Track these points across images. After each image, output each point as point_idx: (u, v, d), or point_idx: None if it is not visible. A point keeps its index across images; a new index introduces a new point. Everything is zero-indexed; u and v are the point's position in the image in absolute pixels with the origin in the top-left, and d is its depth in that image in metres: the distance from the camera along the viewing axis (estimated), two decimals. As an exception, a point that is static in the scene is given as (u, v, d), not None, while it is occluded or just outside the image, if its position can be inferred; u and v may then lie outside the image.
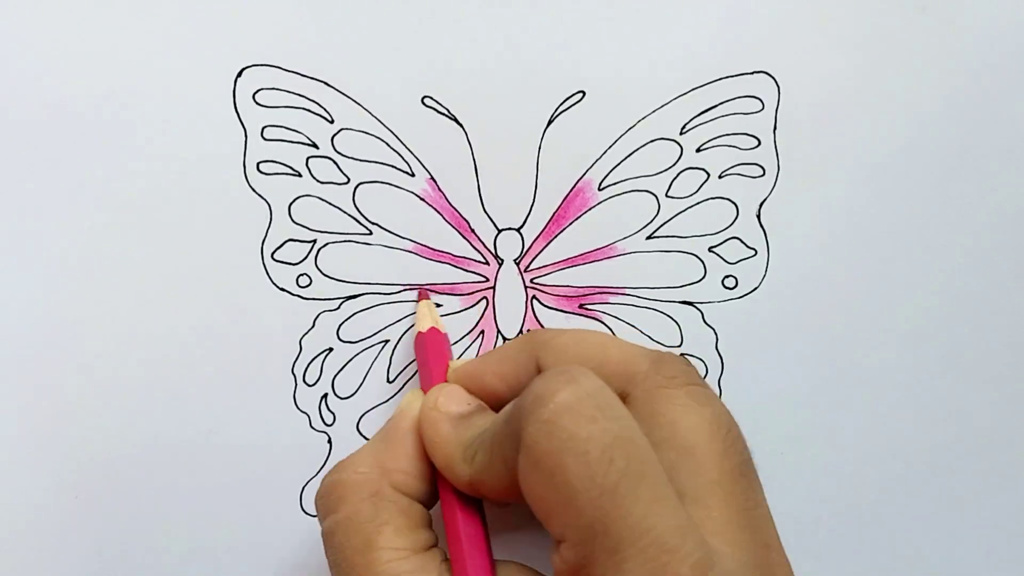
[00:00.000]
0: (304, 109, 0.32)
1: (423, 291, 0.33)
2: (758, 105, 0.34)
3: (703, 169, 0.34)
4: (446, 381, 0.30)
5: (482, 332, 0.34)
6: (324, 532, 0.27)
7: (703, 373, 0.35)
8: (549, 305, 0.34)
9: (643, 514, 0.22)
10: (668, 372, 0.27)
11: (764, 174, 0.34)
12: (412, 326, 0.33)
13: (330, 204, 0.32)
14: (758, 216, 0.35)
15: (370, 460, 0.27)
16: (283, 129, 0.32)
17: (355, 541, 0.26)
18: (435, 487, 0.28)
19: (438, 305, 0.34)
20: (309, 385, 0.33)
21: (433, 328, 0.32)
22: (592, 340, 0.28)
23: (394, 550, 0.25)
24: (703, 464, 0.25)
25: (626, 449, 0.22)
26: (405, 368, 0.34)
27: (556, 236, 0.34)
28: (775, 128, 0.34)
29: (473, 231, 0.33)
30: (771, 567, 0.24)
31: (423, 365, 0.31)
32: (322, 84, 0.32)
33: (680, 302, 0.35)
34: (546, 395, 0.23)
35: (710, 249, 0.35)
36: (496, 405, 0.28)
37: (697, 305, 0.35)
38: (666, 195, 0.34)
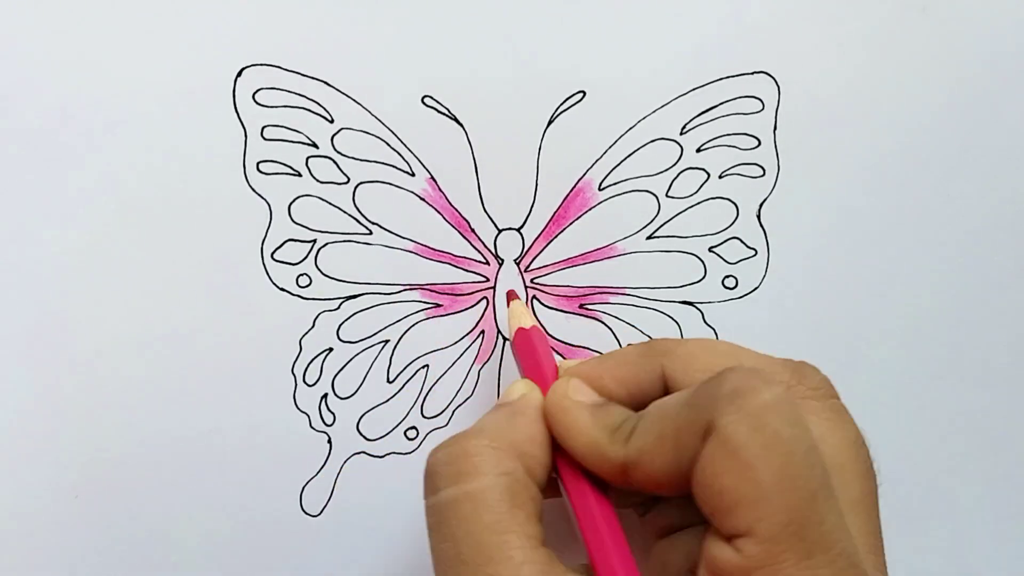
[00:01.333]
0: (304, 109, 0.32)
1: (511, 292, 0.33)
2: (758, 105, 0.34)
3: (703, 169, 0.34)
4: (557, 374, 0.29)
5: (482, 332, 0.34)
6: (444, 501, 0.24)
7: (703, 373, 0.35)
8: (549, 305, 0.34)
9: (835, 525, 0.22)
10: (811, 383, 0.27)
11: (764, 174, 0.34)
12: (413, 326, 0.33)
13: (330, 204, 0.32)
14: (758, 216, 0.35)
15: (503, 437, 0.26)
16: (283, 129, 0.32)
17: (487, 518, 0.24)
18: (551, 482, 0.27)
19: (438, 305, 0.34)
20: (309, 385, 0.33)
21: (535, 326, 0.31)
22: (722, 349, 0.28)
23: (527, 537, 0.24)
24: (849, 483, 0.25)
25: (820, 459, 0.23)
26: (405, 368, 0.34)
27: (556, 236, 0.34)
28: (775, 128, 0.34)
29: (473, 231, 0.33)
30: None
31: (532, 359, 0.29)
32: (322, 84, 0.32)
33: (680, 302, 0.35)
34: (747, 390, 0.23)
35: (710, 249, 0.35)
36: None
37: (697, 305, 0.35)
38: (666, 195, 0.34)
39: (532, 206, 0.33)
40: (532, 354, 0.29)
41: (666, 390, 0.28)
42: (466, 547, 0.24)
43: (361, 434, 0.34)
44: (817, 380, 0.27)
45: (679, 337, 0.31)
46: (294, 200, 0.32)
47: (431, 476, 0.25)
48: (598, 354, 0.34)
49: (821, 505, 0.22)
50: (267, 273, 0.32)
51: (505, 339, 0.34)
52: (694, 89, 0.33)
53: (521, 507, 0.24)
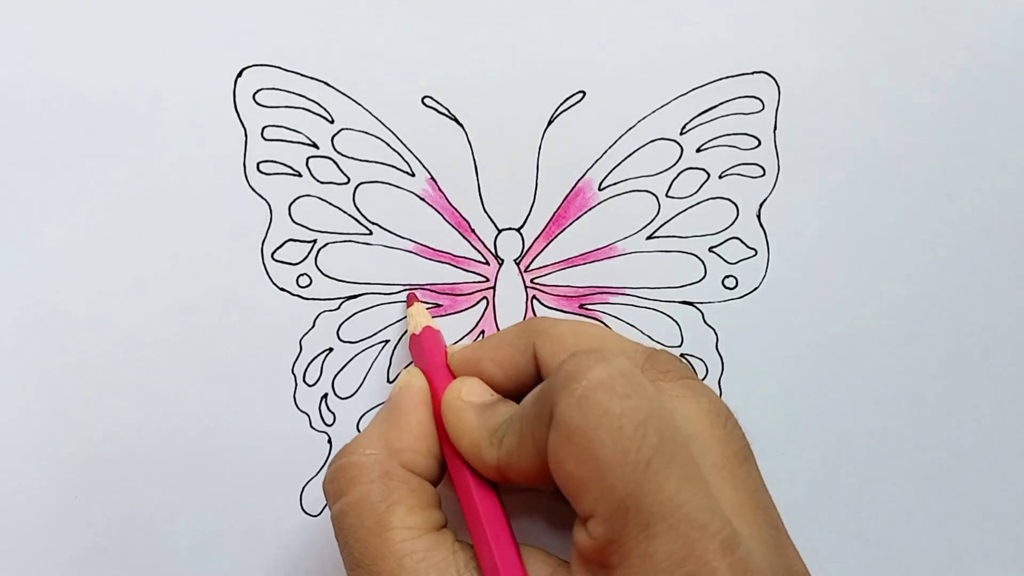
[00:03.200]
0: (304, 109, 0.32)
1: (411, 295, 0.33)
2: (758, 105, 0.34)
3: (703, 169, 0.34)
4: (448, 372, 0.30)
5: (482, 332, 0.34)
6: (334, 515, 0.27)
7: (703, 373, 0.35)
8: (549, 305, 0.34)
9: (675, 490, 0.22)
10: (663, 367, 0.27)
11: (764, 174, 0.34)
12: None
13: (330, 204, 0.32)
14: (758, 216, 0.35)
15: (376, 441, 0.27)
16: (283, 129, 0.32)
17: (367, 522, 0.26)
18: (442, 464, 0.28)
19: (437, 305, 0.34)
20: (309, 385, 0.33)
21: (426, 328, 0.32)
22: (589, 331, 0.29)
23: (407, 529, 0.25)
24: (706, 450, 0.25)
25: (658, 426, 0.23)
26: (405, 368, 0.34)
27: (556, 236, 0.34)
28: (775, 128, 0.34)
29: (473, 231, 0.33)
30: (784, 547, 0.25)
31: (422, 363, 0.31)
32: (322, 84, 0.32)
33: (680, 302, 0.35)
34: (579, 372, 0.23)
35: (710, 249, 0.35)
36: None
37: (697, 305, 0.35)
38: (666, 195, 0.34)
39: (532, 206, 0.33)
40: (421, 360, 0.31)
41: (538, 370, 0.29)
42: (357, 552, 0.25)
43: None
44: (670, 364, 0.28)
45: (555, 318, 0.32)
46: (294, 200, 0.32)
47: (325, 494, 0.27)
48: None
49: (657, 474, 0.22)
50: (267, 273, 0.32)
51: (505, 339, 0.34)
52: (694, 89, 0.33)
53: (399, 502, 0.26)
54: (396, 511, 0.26)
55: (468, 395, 0.28)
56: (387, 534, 0.25)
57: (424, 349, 0.31)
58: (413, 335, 0.32)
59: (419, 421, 0.28)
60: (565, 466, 0.23)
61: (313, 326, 0.33)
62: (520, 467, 0.25)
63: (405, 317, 0.33)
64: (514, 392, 0.29)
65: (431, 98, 0.32)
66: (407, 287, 0.33)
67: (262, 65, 0.31)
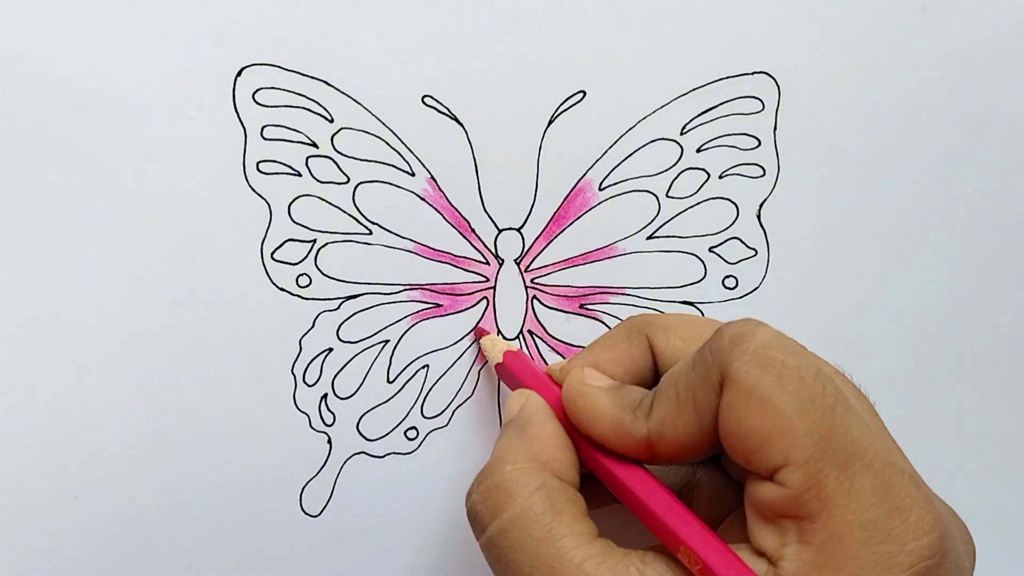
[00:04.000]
0: (304, 109, 0.32)
1: (479, 330, 0.34)
2: (758, 105, 0.34)
3: (703, 169, 0.34)
4: (553, 383, 0.29)
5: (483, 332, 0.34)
6: (493, 535, 0.26)
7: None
8: (549, 305, 0.34)
9: (860, 432, 0.23)
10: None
11: (764, 174, 0.34)
12: (413, 326, 0.33)
13: (330, 204, 0.32)
14: (758, 216, 0.35)
15: (522, 455, 0.27)
16: (283, 129, 0.32)
17: (536, 534, 0.25)
18: (582, 470, 0.27)
19: (438, 305, 0.34)
20: (309, 385, 0.33)
21: (507, 352, 0.32)
22: (694, 319, 0.29)
23: (578, 535, 0.25)
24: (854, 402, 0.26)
25: (829, 376, 0.24)
26: (405, 368, 0.34)
27: (557, 236, 0.34)
28: (775, 128, 0.34)
29: (473, 231, 0.33)
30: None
31: (528, 371, 0.30)
32: (322, 84, 0.32)
33: (680, 302, 0.35)
34: (745, 334, 0.24)
35: (710, 249, 0.35)
36: None
37: (697, 305, 0.35)
38: (666, 195, 0.34)
39: (532, 206, 0.33)
40: (527, 367, 0.30)
41: (655, 362, 0.29)
42: (528, 567, 0.25)
43: (361, 434, 0.34)
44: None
45: (660, 313, 0.32)
46: (294, 200, 0.32)
47: (475, 518, 0.27)
48: None
49: (843, 417, 0.23)
50: (267, 273, 0.32)
51: (506, 339, 0.34)
52: (694, 89, 0.33)
53: (563, 511, 0.25)
54: (563, 519, 0.25)
55: (593, 380, 0.28)
56: (560, 543, 0.24)
57: (517, 371, 0.31)
58: (499, 364, 0.32)
59: (556, 431, 0.27)
60: (748, 421, 0.23)
61: (313, 326, 0.33)
62: (676, 436, 0.25)
63: (404, 317, 0.33)
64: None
65: (431, 98, 0.32)
66: (407, 287, 0.33)
67: (262, 65, 0.31)
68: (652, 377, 0.28)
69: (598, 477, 0.27)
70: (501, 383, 0.34)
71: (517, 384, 0.30)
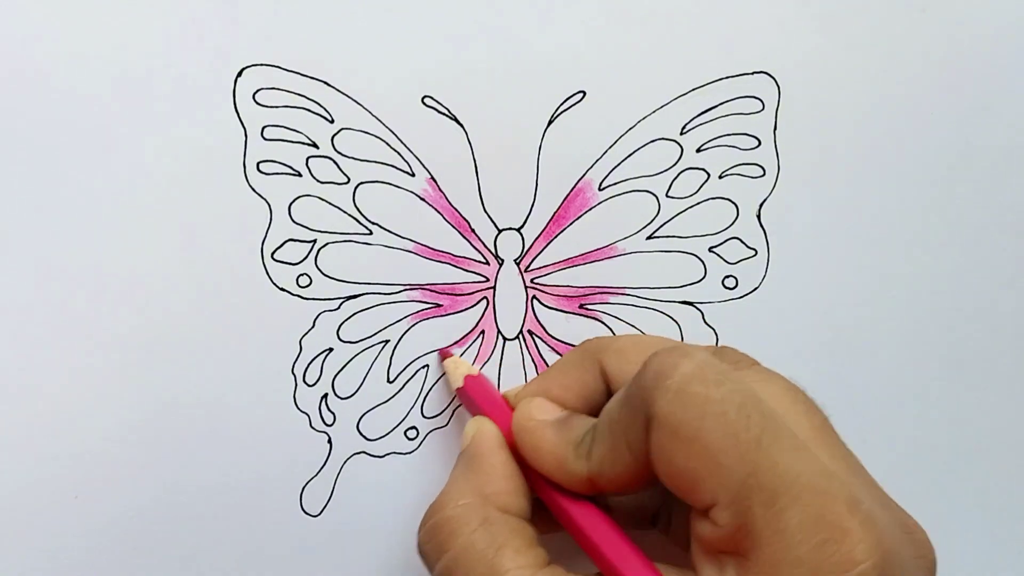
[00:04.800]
0: (304, 109, 0.32)
1: (441, 351, 0.34)
2: (758, 105, 0.34)
3: (703, 169, 0.34)
4: (509, 409, 0.30)
5: (482, 332, 0.34)
6: (440, 573, 0.26)
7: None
8: (549, 305, 0.34)
9: (789, 462, 0.22)
10: (731, 358, 0.28)
11: (764, 174, 0.34)
12: (413, 326, 0.33)
13: (330, 204, 0.32)
14: (758, 216, 0.35)
15: (466, 490, 0.27)
16: (283, 129, 0.32)
17: (479, 570, 0.25)
18: (533, 503, 0.28)
19: (438, 305, 0.34)
20: (309, 385, 0.33)
21: (467, 376, 0.32)
22: (649, 340, 0.29)
23: (520, 569, 0.25)
24: (796, 425, 0.25)
25: (756, 406, 0.23)
26: (405, 368, 0.34)
27: (556, 236, 0.34)
28: (775, 128, 0.34)
29: (473, 231, 0.33)
30: (889, 502, 0.25)
31: (478, 411, 0.31)
32: (322, 84, 0.32)
33: (680, 302, 0.35)
34: (667, 369, 0.23)
35: (710, 249, 0.35)
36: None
37: (697, 305, 0.35)
38: (666, 195, 0.34)
39: (532, 206, 0.33)
40: (478, 407, 0.31)
41: (607, 386, 0.29)
42: None
43: (361, 434, 0.34)
44: (735, 354, 0.28)
45: (610, 336, 0.33)
46: (294, 200, 0.32)
47: (423, 556, 0.27)
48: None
49: (768, 449, 0.22)
50: (267, 273, 0.32)
51: (506, 339, 0.34)
52: (694, 89, 0.33)
53: (505, 545, 0.25)
54: (505, 554, 0.25)
55: (540, 414, 0.28)
56: None
57: (475, 396, 0.31)
58: (459, 389, 0.32)
59: (502, 462, 0.28)
60: (675, 462, 0.23)
61: (313, 326, 0.33)
62: (614, 474, 0.25)
63: (404, 317, 0.33)
64: (584, 412, 0.29)
65: (431, 98, 0.32)
66: (407, 287, 0.33)
67: (262, 65, 0.31)
68: (605, 402, 0.28)
69: (547, 507, 0.28)
70: (501, 383, 0.34)
71: (476, 410, 0.30)
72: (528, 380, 0.34)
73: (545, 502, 0.28)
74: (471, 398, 0.31)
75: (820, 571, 0.21)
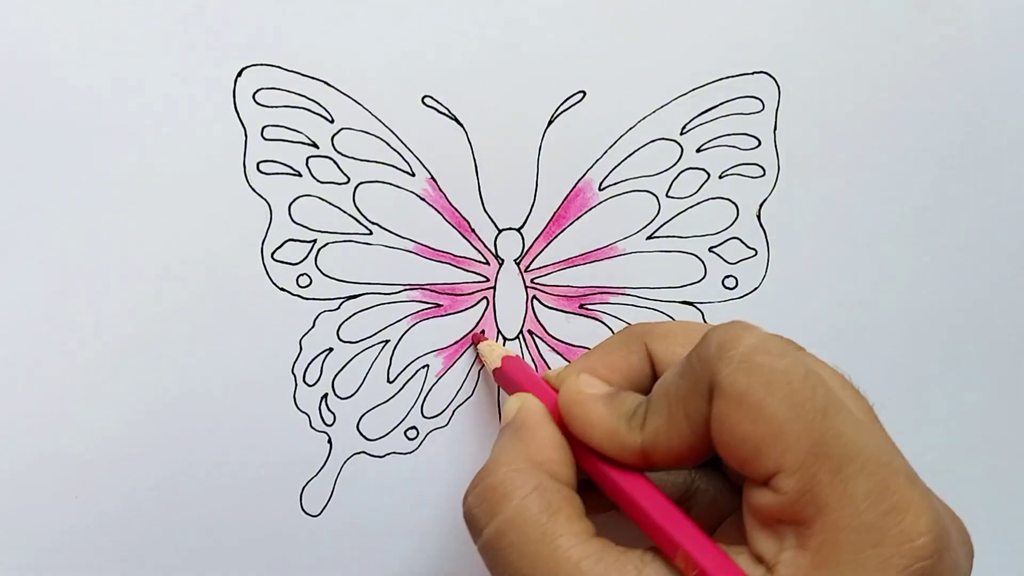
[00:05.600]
0: (304, 109, 0.32)
1: (475, 335, 0.34)
2: (758, 105, 0.34)
3: (703, 169, 0.34)
4: (551, 388, 0.29)
5: (482, 332, 0.34)
6: (490, 536, 0.25)
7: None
8: (549, 305, 0.34)
9: (854, 434, 0.23)
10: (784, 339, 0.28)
11: (764, 174, 0.34)
12: (413, 326, 0.33)
13: (330, 204, 0.32)
14: (758, 216, 0.35)
15: (517, 457, 0.27)
16: (283, 129, 0.32)
17: (533, 534, 0.25)
18: (579, 475, 0.27)
19: (438, 305, 0.34)
20: (309, 385, 0.33)
21: (505, 357, 0.32)
22: (693, 326, 0.29)
23: (575, 535, 0.25)
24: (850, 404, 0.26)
25: (819, 378, 0.23)
26: (405, 368, 0.34)
27: (556, 236, 0.34)
28: (775, 128, 0.34)
29: (473, 231, 0.33)
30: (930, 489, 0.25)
31: (526, 376, 0.30)
32: (322, 84, 0.32)
33: (680, 302, 0.35)
34: (731, 340, 0.24)
35: (710, 249, 0.35)
36: None
37: (697, 305, 0.35)
38: (666, 195, 0.34)
39: (532, 206, 0.33)
40: (524, 372, 0.30)
41: (653, 369, 0.29)
42: (526, 567, 0.24)
43: (361, 434, 0.34)
44: (788, 339, 0.28)
45: (655, 321, 0.32)
46: (294, 200, 0.32)
47: (471, 520, 0.26)
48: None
49: (835, 420, 0.23)
50: (267, 273, 0.32)
51: (506, 339, 0.34)
52: (694, 89, 0.33)
53: (559, 511, 0.25)
54: (559, 519, 0.25)
55: (588, 388, 0.27)
56: (556, 542, 0.24)
57: (514, 375, 0.31)
58: (496, 370, 0.32)
59: (551, 432, 0.27)
60: (739, 430, 0.23)
61: (313, 326, 0.33)
62: (670, 445, 0.25)
63: (404, 317, 0.33)
64: None
65: (431, 98, 0.32)
66: (407, 287, 0.33)
67: (262, 65, 0.31)
68: (651, 385, 0.28)
69: (595, 482, 0.27)
70: (501, 383, 0.34)
71: (515, 388, 0.30)
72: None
73: (593, 477, 0.27)
74: (509, 377, 0.31)
75: (886, 538, 0.21)
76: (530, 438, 0.27)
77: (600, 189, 0.34)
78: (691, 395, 0.24)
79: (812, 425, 0.22)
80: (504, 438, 0.28)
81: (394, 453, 0.34)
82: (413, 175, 0.33)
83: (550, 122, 0.33)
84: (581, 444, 0.27)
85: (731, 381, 0.23)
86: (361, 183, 0.32)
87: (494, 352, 0.32)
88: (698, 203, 0.34)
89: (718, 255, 0.35)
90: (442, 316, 0.34)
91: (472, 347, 0.34)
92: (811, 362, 0.25)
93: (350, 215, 0.33)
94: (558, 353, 0.35)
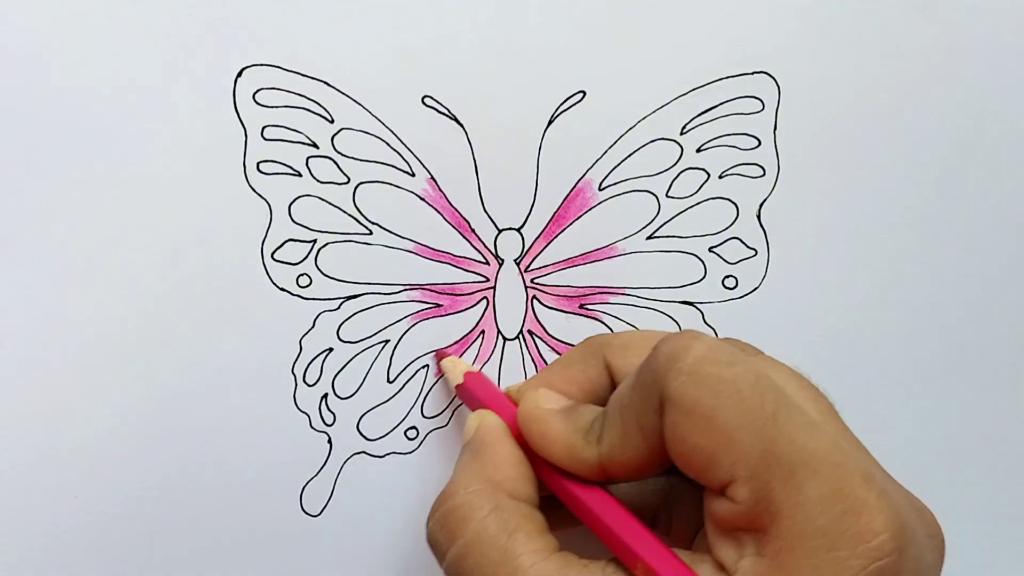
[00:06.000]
0: (304, 109, 0.32)
1: (438, 352, 0.34)
2: (758, 105, 0.34)
3: (703, 169, 0.34)
4: (512, 403, 0.30)
5: (482, 332, 0.34)
6: (452, 560, 0.26)
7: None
8: (549, 305, 0.34)
9: (805, 438, 0.23)
10: (738, 346, 0.28)
11: (764, 174, 0.34)
12: (413, 326, 0.33)
13: (330, 204, 0.32)
14: (758, 216, 0.35)
15: (474, 478, 0.27)
16: (283, 129, 0.32)
17: (492, 555, 0.25)
18: (540, 490, 0.28)
19: (438, 305, 0.34)
20: (309, 385, 0.33)
21: (467, 373, 0.32)
22: (650, 336, 0.29)
23: (534, 552, 0.25)
24: (804, 407, 0.25)
25: (770, 385, 0.23)
26: (405, 368, 0.34)
27: (556, 236, 0.34)
28: (775, 128, 0.34)
29: (473, 231, 0.33)
30: (897, 484, 0.25)
31: (485, 392, 0.31)
32: (322, 84, 0.32)
33: (680, 302, 0.35)
34: (679, 351, 0.24)
35: (710, 249, 0.35)
36: None
37: (697, 305, 0.35)
38: (666, 195, 0.34)
39: (532, 206, 0.33)
40: (485, 388, 0.31)
41: (612, 381, 0.29)
42: None
43: (361, 434, 0.34)
44: (742, 344, 0.28)
45: (612, 332, 0.33)
46: (294, 200, 0.32)
47: (434, 545, 0.27)
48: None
49: (785, 426, 0.23)
50: (267, 273, 0.32)
51: (506, 339, 0.34)
52: (694, 89, 0.33)
53: (518, 529, 0.25)
54: (518, 538, 0.25)
55: (546, 403, 0.28)
56: (517, 561, 0.25)
57: (475, 392, 0.31)
58: (459, 386, 0.32)
59: (509, 450, 0.28)
60: (690, 441, 0.23)
61: (313, 326, 0.33)
62: (625, 459, 0.25)
63: (404, 317, 0.33)
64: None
65: (431, 98, 0.32)
66: (407, 287, 0.33)
67: (262, 65, 0.31)
68: (609, 397, 0.28)
69: (557, 496, 0.27)
70: (501, 383, 0.34)
71: (477, 405, 0.30)
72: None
73: (554, 491, 0.28)
74: (471, 394, 0.31)
75: (840, 541, 0.21)
76: (487, 457, 0.27)
77: (600, 189, 0.34)
78: (643, 407, 0.25)
79: (763, 432, 0.22)
80: (463, 458, 0.28)
81: (394, 453, 0.34)
82: (413, 175, 0.33)
83: (550, 122, 0.33)
84: (541, 459, 0.27)
85: (680, 392, 0.23)
86: (361, 183, 0.32)
87: (456, 368, 0.32)
88: (698, 203, 0.34)
89: (718, 255, 0.35)
90: (442, 316, 0.34)
91: (437, 359, 0.34)
92: (764, 366, 0.25)
93: (350, 215, 0.33)
94: (558, 353, 0.35)
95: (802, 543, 0.22)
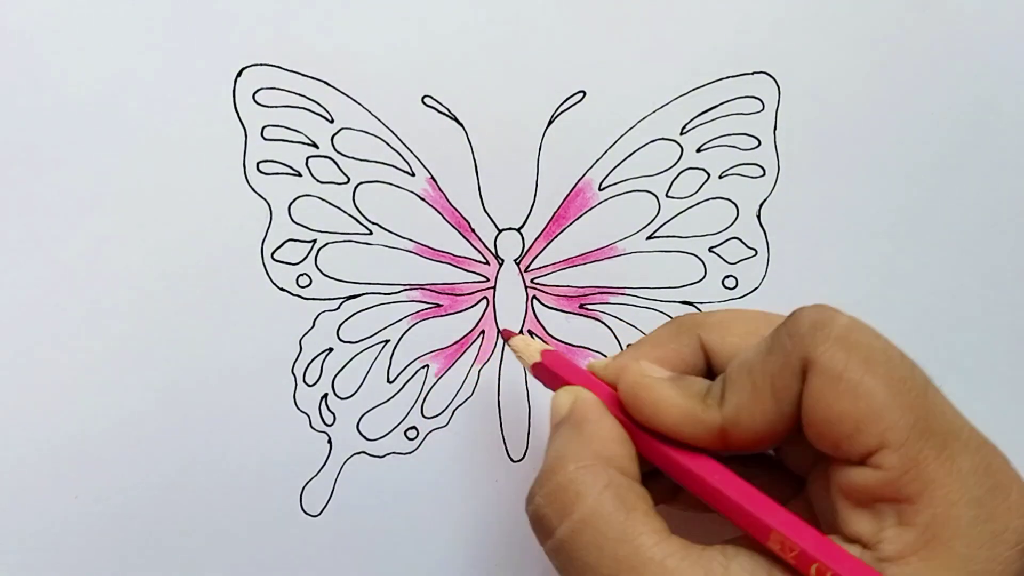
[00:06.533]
0: (304, 109, 0.32)
1: (505, 331, 0.33)
2: (758, 105, 0.34)
3: (703, 169, 0.34)
4: (596, 379, 0.28)
5: (482, 332, 0.34)
6: (563, 538, 0.24)
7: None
8: (549, 305, 0.34)
9: (953, 414, 0.23)
10: None
11: (764, 174, 0.34)
12: (413, 326, 0.33)
13: (330, 204, 0.32)
14: (758, 216, 0.35)
15: (582, 453, 0.25)
16: (283, 129, 0.32)
17: (612, 533, 0.24)
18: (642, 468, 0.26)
19: (438, 305, 0.34)
20: (309, 385, 0.33)
21: (544, 351, 0.30)
22: (748, 315, 0.29)
23: (655, 532, 0.24)
24: None
25: (913, 359, 0.24)
26: (405, 368, 0.34)
27: (556, 236, 0.34)
28: (775, 128, 0.34)
29: (473, 231, 0.33)
30: None
31: (570, 369, 0.29)
32: (322, 84, 0.32)
33: (680, 302, 0.35)
34: (826, 319, 0.24)
35: (710, 249, 0.35)
36: None
37: (697, 305, 0.35)
38: (666, 195, 0.34)
39: (532, 206, 0.33)
40: (568, 365, 0.29)
41: (707, 359, 0.28)
42: (606, 568, 0.23)
43: (361, 434, 0.34)
44: None
45: (703, 311, 0.32)
46: (294, 200, 0.32)
47: (540, 521, 0.25)
48: (600, 354, 0.34)
49: (934, 398, 0.23)
50: (267, 273, 0.32)
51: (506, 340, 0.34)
52: (694, 89, 0.33)
53: (635, 508, 0.24)
54: (636, 516, 0.24)
55: (652, 371, 0.26)
56: (637, 540, 0.23)
57: (558, 369, 0.29)
58: (536, 364, 0.30)
59: (613, 426, 0.26)
60: (835, 406, 0.23)
61: (313, 326, 0.33)
62: (752, 422, 0.24)
63: (404, 317, 0.33)
64: None
65: (431, 98, 0.32)
66: (407, 287, 0.33)
67: (262, 65, 0.31)
68: (703, 376, 0.27)
69: (664, 471, 0.26)
70: (501, 383, 0.34)
71: (559, 383, 0.29)
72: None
73: (662, 467, 0.26)
74: (553, 371, 0.29)
75: (995, 514, 0.22)
76: (592, 433, 0.26)
77: (600, 189, 0.34)
78: (780, 371, 0.24)
79: (915, 402, 0.23)
80: (563, 434, 0.26)
81: (394, 453, 0.34)
82: (413, 175, 0.33)
83: (550, 122, 0.33)
84: (646, 434, 0.26)
85: (829, 357, 0.23)
86: (361, 183, 0.32)
87: (530, 347, 0.30)
88: (698, 203, 0.34)
89: (718, 255, 0.35)
90: (442, 316, 0.34)
91: (504, 343, 0.33)
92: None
93: (350, 215, 0.33)
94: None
95: (958, 512, 0.22)
